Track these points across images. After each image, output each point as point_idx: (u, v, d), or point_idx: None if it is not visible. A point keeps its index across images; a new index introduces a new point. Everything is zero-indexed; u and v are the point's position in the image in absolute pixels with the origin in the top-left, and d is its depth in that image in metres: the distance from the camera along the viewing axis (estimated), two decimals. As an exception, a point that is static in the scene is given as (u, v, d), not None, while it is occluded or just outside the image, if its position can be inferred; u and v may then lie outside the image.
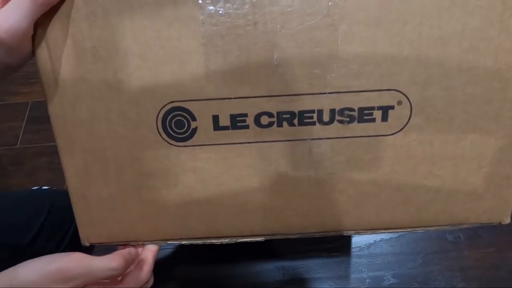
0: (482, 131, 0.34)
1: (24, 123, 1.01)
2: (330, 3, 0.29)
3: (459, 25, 0.30)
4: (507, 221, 0.38)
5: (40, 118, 1.01)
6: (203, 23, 0.30)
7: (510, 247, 0.89)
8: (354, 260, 0.86)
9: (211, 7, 0.29)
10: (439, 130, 0.34)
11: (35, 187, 0.89)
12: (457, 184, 0.36)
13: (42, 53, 0.31)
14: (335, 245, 0.85)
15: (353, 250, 0.86)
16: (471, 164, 0.35)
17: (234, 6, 0.29)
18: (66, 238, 0.56)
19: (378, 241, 0.88)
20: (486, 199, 0.36)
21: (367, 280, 0.84)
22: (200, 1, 0.29)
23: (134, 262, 0.36)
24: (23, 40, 0.28)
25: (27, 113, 1.03)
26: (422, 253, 0.87)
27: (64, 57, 0.31)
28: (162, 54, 0.31)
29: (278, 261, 0.84)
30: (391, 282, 0.84)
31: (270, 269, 0.83)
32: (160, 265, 0.39)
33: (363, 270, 0.85)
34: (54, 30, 0.30)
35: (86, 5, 0.29)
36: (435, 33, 0.30)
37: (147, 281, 0.37)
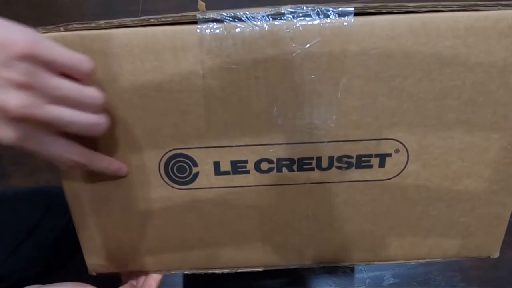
0: (477, 176, 0.34)
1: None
2: (330, 59, 0.30)
3: (459, 80, 0.30)
4: (496, 255, 0.39)
5: None
6: (203, 77, 0.30)
7: (510, 247, 0.90)
8: (354, 260, 0.88)
9: (212, 62, 0.30)
10: (435, 176, 0.34)
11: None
12: (450, 223, 0.37)
13: None
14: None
15: (353, 250, 0.87)
16: (465, 205, 0.36)
17: (236, 61, 0.30)
18: (63, 236, 0.56)
19: (379, 242, 0.89)
20: (478, 236, 0.37)
21: (367, 280, 0.86)
22: (201, 57, 0.30)
23: None
24: None
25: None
26: (422, 253, 0.88)
27: None
28: (163, 106, 0.31)
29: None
30: (391, 282, 0.86)
31: (270, 269, 0.84)
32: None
33: (363, 270, 0.87)
34: None
35: None
36: (435, 87, 0.31)
37: None
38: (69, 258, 0.61)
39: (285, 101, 0.31)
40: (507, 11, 0.29)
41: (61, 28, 0.29)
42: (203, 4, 0.62)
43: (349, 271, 0.86)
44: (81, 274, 0.63)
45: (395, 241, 0.38)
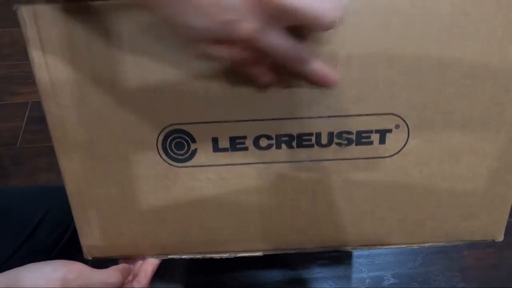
0: (478, 152, 0.34)
1: (24, 123, 1.01)
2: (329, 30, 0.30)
3: (458, 50, 0.30)
4: (501, 238, 0.38)
5: (40, 118, 1.01)
6: None
7: (510, 247, 0.89)
8: (354, 260, 0.87)
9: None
10: (436, 152, 0.34)
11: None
12: (452, 204, 0.36)
13: (43, 76, 0.31)
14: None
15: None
16: (467, 184, 0.35)
17: None
18: (65, 235, 0.57)
19: (379, 241, 0.88)
20: (481, 217, 0.37)
21: (367, 280, 0.85)
22: None
23: (129, 274, 0.37)
24: None
25: (27, 113, 1.03)
26: (422, 253, 0.88)
27: (64, 81, 0.31)
28: (162, 78, 0.31)
29: (278, 261, 0.85)
30: (391, 282, 0.85)
31: (270, 269, 0.84)
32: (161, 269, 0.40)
33: (363, 270, 0.86)
34: (54, 53, 0.30)
35: (86, 29, 0.30)
36: (434, 57, 0.31)
37: None
38: (72, 257, 0.60)
39: (284, 75, 0.31)
40: None
41: None
42: None
43: (349, 270, 0.86)
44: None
45: (396, 224, 0.37)
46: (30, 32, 0.30)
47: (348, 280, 0.85)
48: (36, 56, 0.30)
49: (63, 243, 0.56)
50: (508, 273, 0.86)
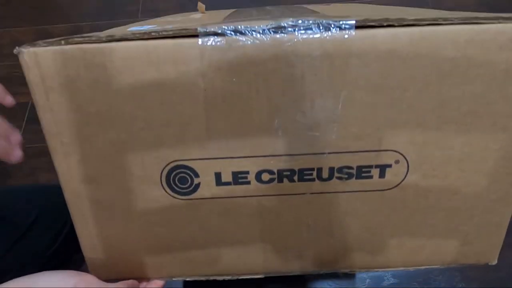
0: (476, 185, 0.35)
1: (24, 123, 1.01)
2: (332, 72, 0.30)
3: (459, 91, 0.31)
4: (494, 262, 0.39)
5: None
6: (205, 90, 0.30)
7: (510, 247, 0.90)
8: (355, 260, 0.88)
9: (213, 75, 0.30)
10: (434, 185, 0.34)
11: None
12: (449, 231, 0.37)
13: (47, 117, 0.32)
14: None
15: (354, 250, 0.88)
16: (463, 214, 0.36)
17: (237, 74, 0.30)
18: (61, 234, 0.57)
19: (379, 241, 0.89)
20: (476, 244, 0.38)
21: (367, 280, 0.86)
22: (202, 70, 0.30)
23: None
24: None
25: (27, 113, 1.02)
26: (422, 253, 0.89)
27: (68, 121, 0.32)
28: (165, 118, 0.31)
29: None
30: (391, 282, 0.86)
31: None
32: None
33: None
34: (57, 96, 0.31)
35: (88, 72, 0.30)
36: (435, 99, 0.31)
37: None
38: (68, 257, 0.61)
39: (286, 113, 0.31)
40: (507, 24, 0.29)
41: (62, 42, 0.29)
42: (203, 6, 0.63)
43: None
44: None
45: (394, 249, 0.38)
46: (32, 75, 0.30)
47: (348, 280, 0.86)
48: (39, 98, 0.31)
49: (59, 243, 0.57)
50: (508, 273, 0.87)
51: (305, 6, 0.59)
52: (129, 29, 0.36)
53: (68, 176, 0.34)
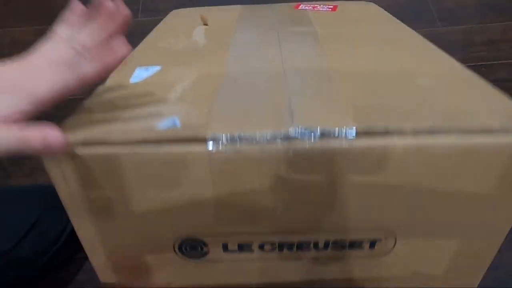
0: (458, 254, 0.39)
1: (23, 123, 1.01)
2: (330, 182, 0.33)
3: (451, 187, 0.33)
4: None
5: (40, 117, 1.00)
6: (214, 190, 0.33)
7: (510, 247, 0.90)
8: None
9: (221, 179, 0.32)
10: (420, 255, 0.39)
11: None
12: (430, 283, 0.42)
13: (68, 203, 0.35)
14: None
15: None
16: (441, 275, 0.41)
17: (245, 180, 0.32)
18: (62, 234, 0.58)
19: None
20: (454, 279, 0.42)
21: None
22: (211, 175, 0.32)
23: None
24: None
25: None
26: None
27: (83, 213, 0.35)
28: (175, 213, 0.34)
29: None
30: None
31: None
32: None
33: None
34: (70, 192, 0.34)
35: (101, 170, 0.32)
36: (427, 189, 0.33)
37: None
38: (69, 258, 0.63)
39: (287, 208, 0.34)
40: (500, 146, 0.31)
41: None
42: (206, 17, 0.65)
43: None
44: (81, 273, 0.66)
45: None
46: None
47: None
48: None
49: (60, 243, 0.58)
50: (508, 273, 0.83)
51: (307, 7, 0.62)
52: (131, 81, 0.39)
53: (89, 247, 0.38)
